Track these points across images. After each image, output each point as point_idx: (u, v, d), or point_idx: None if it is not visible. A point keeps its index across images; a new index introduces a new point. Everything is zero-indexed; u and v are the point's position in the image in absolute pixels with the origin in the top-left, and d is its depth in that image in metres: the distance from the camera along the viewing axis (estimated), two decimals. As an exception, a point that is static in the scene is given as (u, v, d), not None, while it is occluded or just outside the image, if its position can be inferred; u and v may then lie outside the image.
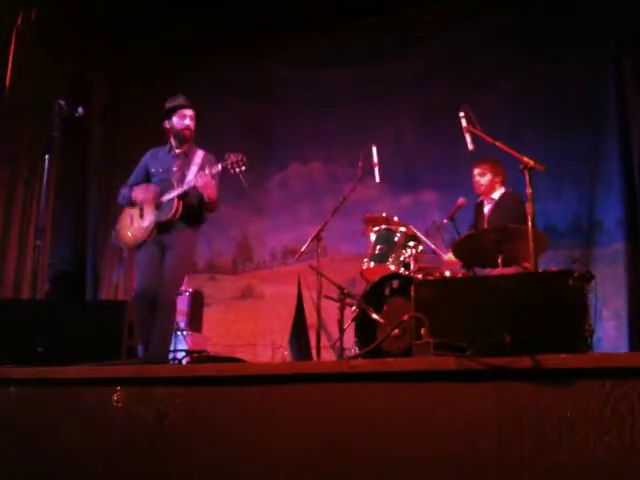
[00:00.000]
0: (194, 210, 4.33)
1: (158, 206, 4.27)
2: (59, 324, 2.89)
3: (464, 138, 3.96)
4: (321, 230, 4.87)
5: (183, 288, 6.36)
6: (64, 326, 2.88)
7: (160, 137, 4.74)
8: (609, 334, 5.63)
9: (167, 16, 7.17)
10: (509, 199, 4.76)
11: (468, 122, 3.96)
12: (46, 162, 4.32)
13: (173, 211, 4.21)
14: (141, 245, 4.27)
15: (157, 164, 4.49)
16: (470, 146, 3.95)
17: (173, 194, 4.24)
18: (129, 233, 4.34)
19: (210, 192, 4.22)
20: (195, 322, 6.38)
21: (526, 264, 4.14)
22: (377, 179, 4.96)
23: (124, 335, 2.93)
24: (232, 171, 4.19)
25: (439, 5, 6.97)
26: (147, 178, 4.50)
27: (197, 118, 4.54)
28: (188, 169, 4.38)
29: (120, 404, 2.27)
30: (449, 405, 1.90)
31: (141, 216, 4.31)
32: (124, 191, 4.50)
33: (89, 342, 2.82)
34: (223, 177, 4.39)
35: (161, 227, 4.24)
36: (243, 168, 4.19)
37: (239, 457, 2.11)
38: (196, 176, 4.27)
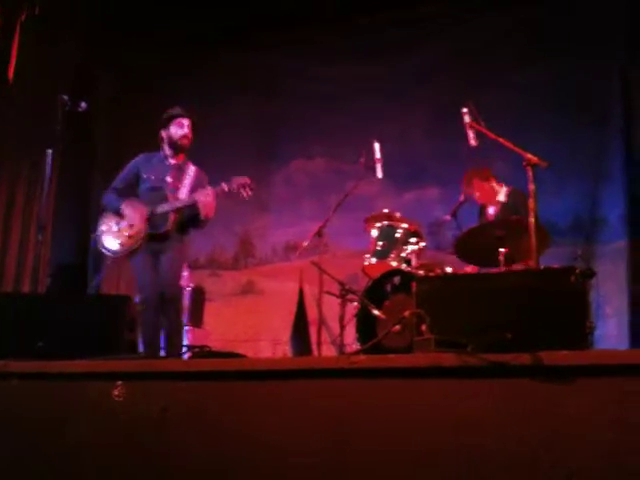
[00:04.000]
0: (187, 223, 4.39)
1: (151, 217, 4.25)
2: (59, 318, 2.89)
3: (467, 134, 3.94)
4: (323, 226, 4.86)
5: (184, 284, 6.41)
6: (64, 320, 2.88)
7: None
8: (610, 331, 5.62)
9: (171, 10, 7.15)
10: (518, 198, 4.72)
11: (472, 118, 3.95)
12: (49, 156, 4.31)
13: (169, 224, 4.24)
14: (132, 254, 4.26)
15: (150, 171, 4.44)
16: (473, 142, 3.93)
17: (168, 207, 4.25)
18: (117, 241, 4.27)
19: (209, 211, 4.24)
20: (196, 317, 6.40)
21: (528, 262, 4.12)
22: (379, 175, 4.94)
23: (125, 329, 2.93)
24: (237, 194, 4.25)
25: (443, 2, 6.96)
26: (136, 182, 4.45)
27: (194, 128, 4.51)
28: (181, 182, 4.40)
29: (121, 399, 2.27)
30: (449, 401, 1.90)
31: (130, 226, 4.25)
32: (111, 197, 4.43)
33: (89, 336, 2.82)
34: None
35: (155, 237, 4.24)
36: (249, 192, 4.25)
37: (239, 452, 2.11)
38: (199, 193, 4.26)
